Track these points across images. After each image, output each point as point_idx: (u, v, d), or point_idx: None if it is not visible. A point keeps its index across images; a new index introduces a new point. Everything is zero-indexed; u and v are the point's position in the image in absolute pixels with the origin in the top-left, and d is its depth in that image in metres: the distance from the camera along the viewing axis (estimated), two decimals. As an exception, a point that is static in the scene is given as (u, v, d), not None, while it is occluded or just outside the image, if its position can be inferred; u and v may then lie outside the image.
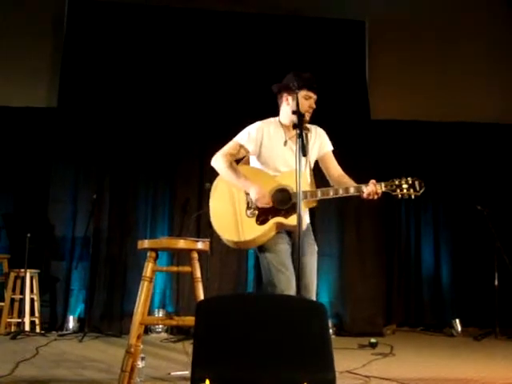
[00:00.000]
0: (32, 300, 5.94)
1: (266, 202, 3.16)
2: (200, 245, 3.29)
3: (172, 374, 3.82)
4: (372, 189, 3.10)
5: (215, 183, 3.36)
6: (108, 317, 6.18)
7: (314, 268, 3.23)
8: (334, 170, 3.43)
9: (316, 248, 3.32)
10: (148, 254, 3.21)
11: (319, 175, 3.45)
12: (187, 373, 3.54)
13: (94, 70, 6.66)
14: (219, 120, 6.48)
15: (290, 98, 3.30)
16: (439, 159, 7.18)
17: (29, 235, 5.75)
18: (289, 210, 3.13)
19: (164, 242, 3.37)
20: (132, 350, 3.06)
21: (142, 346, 3.32)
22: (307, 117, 3.29)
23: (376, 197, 3.12)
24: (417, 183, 3.12)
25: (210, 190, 3.37)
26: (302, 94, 3.25)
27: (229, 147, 3.35)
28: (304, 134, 3.23)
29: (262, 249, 3.20)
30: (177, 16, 6.86)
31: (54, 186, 6.42)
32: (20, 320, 5.79)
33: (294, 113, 3.06)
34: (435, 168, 7.06)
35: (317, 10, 7.02)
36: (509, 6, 7.45)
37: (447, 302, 6.98)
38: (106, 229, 6.38)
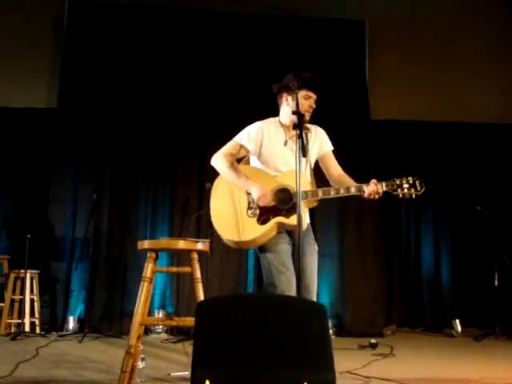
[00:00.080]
0: (32, 301, 5.94)
1: (267, 201, 3.15)
2: (200, 245, 3.29)
3: (172, 374, 3.81)
4: (373, 188, 3.10)
5: (216, 183, 3.35)
6: (108, 317, 6.18)
7: (314, 268, 3.23)
8: (334, 169, 3.43)
9: (316, 248, 3.32)
10: (148, 254, 3.21)
11: (319, 175, 3.45)
12: (187, 373, 3.53)
13: (93, 70, 6.66)
14: (219, 120, 6.48)
15: (289, 98, 3.30)
16: (439, 159, 7.18)
17: (29, 236, 5.74)
18: (290, 210, 3.13)
19: (164, 242, 3.37)
20: (132, 350, 3.06)
21: (142, 347, 3.31)
22: (307, 117, 3.29)
23: (377, 196, 3.12)
24: (417, 183, 3.13)
25: (210, 190, 3.37)
26: (302, 93, 3.25)
27: (229, 147, 3.35)
28: (304, 134, 3.24)
29: (262, 249, 3.20)
30: (176, 16, 6.86)
31: (54, 187, 6.42)
32: (20, 321, 5.79)
33: (293, 113, 3.06)
34: (435, 168, 7.06)
35: (317, 10, 7.02)
36: (509, 6, 7.45)
37: (447, 302, 6.98)
38: (106, 229, 6.38)
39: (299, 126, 2.95)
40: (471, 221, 6.91)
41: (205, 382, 2.05)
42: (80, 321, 6.13)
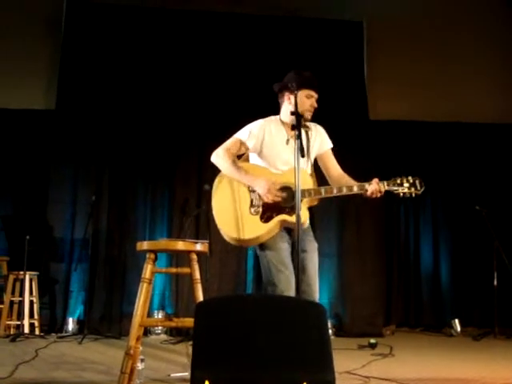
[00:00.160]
0: (31, 302, 5.93)
1: (274, 196, 3.15)
2: (199, 246, 3.29)
3: (172, 375, 3.81)
4: (376, 187, 3.13)
5: (217, 180, 3.34)
6: (107, 318, 6.18)
7: (316, 266, 3.25)
8: (333, 169, 3.44)
9: (316, 245, 3.32)
10: (147, 255, 3.21)
11: (319, 175, 3.46)
12: (187, 374, 3.54)
13: (92, 71, 6.66)
14: (218, 121, 6.47)
15: (291, 96, 3.28)
16: (438, 159, 7.18)
17: (28, 237, 5.73)
18: (293, 208, 3.13)
19: (163, 243, 3.37)
20: (131, 351, 3.06)
21: (141, 348, 3.32)
22: (308, 116, 3.31)
23: (379, 195, 3.15)
24: (417, 182, 3.18)
25: (208, 191, 3.37)
26: (304, 93, 3.27)
27: (230, 143, 3.34)
28: (305, 132, 3.27)
29: (262, 247, 3.20)
30: (174, 17, 6.86)
31: (52, 188, 6.42)
32: (19, 322, 5.79)
33: (292, 114, 3.06)
34: (434, 168, 7.06)
35: (315, 10, 7.02)
36: (508, 6, 7.45)
37: (446, 302, 6.98)
38: (105, 230, 6.38)
39: (297, 126, 2.95)
40: (470, 221, 6.91)
41: (204, 382, 2.06)
42: (79, 322, 6.13)
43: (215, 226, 3.27)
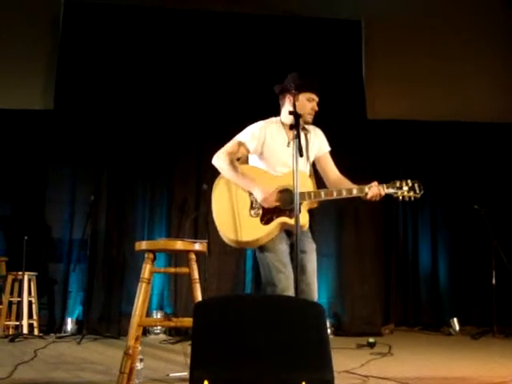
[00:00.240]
0: (30, 302, 5.93)
1: (271, 203, 3.16)
2: (197, 246, 3.29)
3: (171, 375, 3.81)
4: (376, 191, 3.15)
5: (216, 182, 3.35)
6: (106, 319, 6.18)
7: (314, 266, 3.27)
8: (331, 171, 3.46)
9: (314, 245, 3.34)
10: (146, 255, 3.21)
11: (317, 178, 3.47)
12: (186, 374, 3.54)
13: (90, 71, 6.65)
14: (216, 120, 6.49)
15: (292, 98, 3.30)
16: (436, 159, 7.18)
17: (26, 238, 5.73)
18: (293, 210, 3.14)
19: (161, 243, 3.37)
20: (130, 351, 3.06)
21: (140, 348, 3.32)
22: (309, 119, 3.33)
23: (379, 199, 3.16)
24: (416, 185, 3.20)
25: (207, 191, 3.39)
26: (305, 96, 3.29)
27: (231, 146, 3.34)
28: (304, 135, 3.28)
29: (261, 249, 3.21)
30: (173, 17, 6.86)
31: (51, 188, 6.41)
32: (18, 323, 5.79)
33: (290, 113, 3.07)
34: (433, 168, 7.07)
35: (313, 9, 7.02)
36: (508, 5, 7.45)
37: (445, 301, 6.98)
38: (104, 230, 6.38)
39: (296, 126, 2.96)
40: (469, 220, 6.92)
41: (203, 382, 2.06)
42: (78, 322, 6.12)
43: (214, 226, 3.28)
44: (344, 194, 3.20)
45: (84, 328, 5.74)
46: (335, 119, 6.44)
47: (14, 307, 6.02)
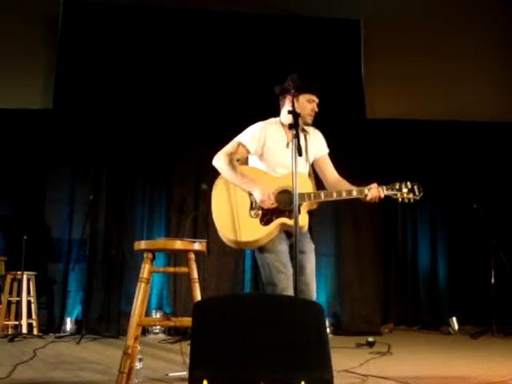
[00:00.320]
0: (29, 302, 5.93)
1: (270, 204, 3.17)
2: (197, 245, 3.30)
3: (170, 374, 3.81)
4: (375, 193, 3.18)
5: (216, 183, 3.35)
6: (105, 318, 6.18)
7: (313, 266, 3.28)
8: (330, 174, 3.48)
9: (313, 246, 3.36)
10: (145, 255, 3.21)
11: (317, 178, 3.48)
12: (185, 374, 3.54)
13: (89, 71, 6.65)
14: (215, 120, 6.49)
15: (292, 98, 3.30)
16: (435, 158, 7.19)
17: (25, 237, 5.73)
18: (292, 211, 3.14)
19: (161, 242, 3.37)
20: (129, 351, 3.06)
21: (139, 347, 3.32)
22: (309, 120, 3.35)
23: (378, 201, 3.17)
24: (416, 187, 3.24)
25: (205, 190, 3.39)
26: (306, 97, 3.32)
27: (231, 147, 3.35)
28: (303, 136, 3.30)
29: (261, 249, 3.22)
30: (172, 17, 6.85)
31: (50, 188, 6.41)
32: (17, 322, 5.78)
33: (289, 113, 3.07)
34: (432, 167, 7.08)
35: (312, 9, 7.02)
36: (506, 4, 7.45)
37: (444, 300, 6.99)
38: (103, 230, 6.38)
39: (295, 125, 2.96)
40: (468, 219, 6.92)
41: (202, 382, 2.06)
42: (77, 322, 6.12)
43: (213, 226, 3.28)
44: (344, 196, 3.22)
45: (83, 328, 5.73)
46: (334, 119, 6.45)
47: (13, 307, 6.01)
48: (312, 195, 3.19)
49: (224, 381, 2.12)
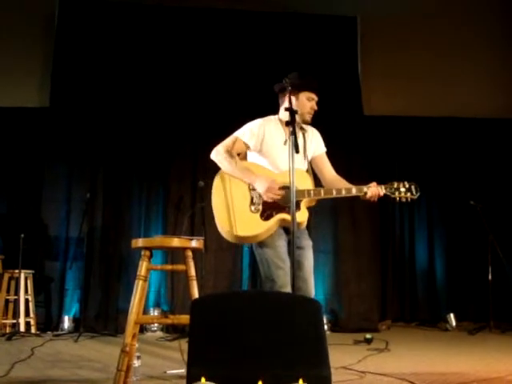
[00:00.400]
0: (27, 300, 5.93)
1: (274, 194, 3.16)
2: (194, 243, 3.29)
3: (168, 372, 3.81)
4: (375, 191, 3.22)
5: (216, 178, 3.32)
6: (103, 316, 6.18)
7: (311, 263, 3.29)
8: (328, 172, 3.50)
9: (311, 242, 3.36)
10: (142, 252, 3.20)
11: (315, 176, 3.48)
12: (183, 371, 3.54)
13: (85, 69, 6.64)
14: (212, 118, 6.48)
15: (293, 97, 3.30)
16: (432, 155, 7.19)
17: (22, 236, 5.73)
18: None
19: (158, 240, 3.36)
20: (127, 349, 3.06)
21: (137, 345, 3.31)
22: (309, 118, 3.37)
23: (377, 198, 3.23)
24: (413, 187, 3.30)
25: (203, 188, 3.38)
26: (305, 95, 3.34)
27: (230, 141, 3.34)
28: (302, 134, 3.32)
29: (260, 245, 3.22)
30: (170, 14, 6.84)
31: (47, 186, 6.41)
32: (15, 321, 5.78)
33: (286, 110, 3.07)
34: (429, 164, 7.09)
35: (309, 6, 7.03)
36: (506, 2, 7.44)
37: (441, 296, 7.00)
38: (100, 228, 6.38)
39: (292, 122, 2.96)
40: (465, 216, 6.93)
41: (200, 379, 2.06)
42: (75, 320, 6.13)
43: (210, 222, 3.27)
44: (343, 193, 3.24)
45: (81, 326, 5.74)
46: (331, 115, 6.44)
47: (11, 305, 6.02)
48: (312, 192, 3.20)
49: (222, 378, 2.12)
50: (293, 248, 2.84)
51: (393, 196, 3.28)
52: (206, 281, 6.00)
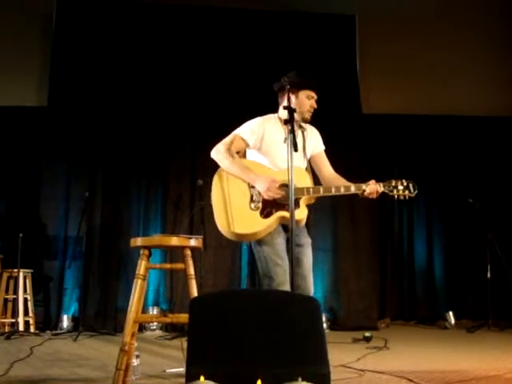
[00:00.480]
0: (25, 300, 5.93)
1: (274, 193, 3.16)
2: (193, 242, 3.28)
3: (167, 371, 3.82)
4: (373, 188, 3.23)
5: (216, 176, 3.32)
6: (102, 315, 6.18)
7: (310, 260, 3.30)
8: (326, 170, 3.51)
9: (310, 240, 3.37)
10: (141, 251, 3.20)
11: (314, 175, 3.48)
12: (182, 370, 3.54)
13: (84, 68, 6.63)
14: (211, 117, 6.48)
15: (292, 96, 3.31)
16: (431, 153, 7.19)
17: (21, 235, 5.72)
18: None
19: (157, 239, 3.36)
20: (126, 348, 3.05)
21: (136, 344, 3.31)
22: (308, 116, 3.38)
23: (375, 196, 3.26)
24: (411, 185, 3.33)
25: (202, 186, 3.38)
26: (305, 93, 3.35)
27: (230, 140, 3.35)
28: (301, 132, 3.32)
29: (259, 242, 3.22)
30: (169, 12, 6.83)
31: (45, 185, 6.40)
32: (14, 320, 5.77)
33: (285, 108, 3.07)
34: (427, 161, 7.10)
35: (307, 4, 7.03)
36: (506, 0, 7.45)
37: (440, 294, 7.01)
38: (99, 227, 6.38)
39: (290, 121, 2.96)
40: (463, 214, 6.93)
41: (200, 378, 2.06)
42: (74, 319, 6.13)
43: (210, 220, 3.27)
44: (342, 191, 3.26)
45: (80, 325, 5.74)
46: (330, 114, 6.43)
47: (10, 304, 6.01)
48: (311, 190, 3.21)
49: (221, 377, 2.12)
50: (291, 245, 2.84)
51: (391, 194, 3.31)
52: (205, 279, 6.00)
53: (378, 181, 3.27)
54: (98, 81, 6.63)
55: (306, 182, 3.25)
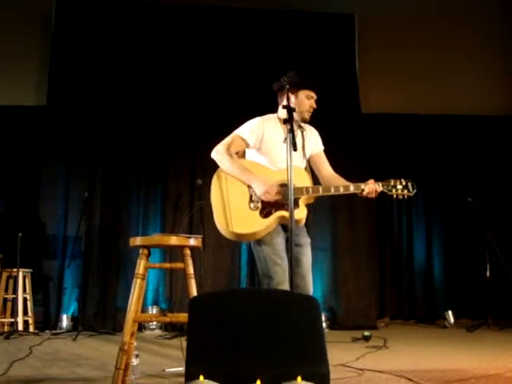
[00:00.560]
0: (25, 299, 5.92)
1: (271, 196, 3.18)
2: (192, 241, 3.28)
3: (166, 370, 3.82)
4: (372, 187, 3.23)
5: (215, 176, 3.33)
6: (101, 315, 6.18)
7: (309, 260, 3.31)
8: (325, 170, 3.52)
9: (309, 240, 3.38)
10: (140, 251, 3.20)
11: (313, 174, 3.49)
12: (182, 369, 3.54)
13: (83, 67, 6.63)
14: (211, 117, 6.48)
15: (292, 96, 3.31)
16: (430, 152, 7.19)
17: (20, 234, 5.72)
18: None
19: (156, 238, 3.35)
20: (126, 347, 3.05)
21: (135, 343, 3.31)
22: (308, 116, 3.39)
23: (374, 195, 3.26)
24: (410, 185, 3.33)
25: (201, 186, 3.38)
26: (304, 93, 3.35)
27: (230, 140, 3.35)
28: (300, 132, 3.33)
29: (258, 242, 3.22)
30: (168, 12, 6.83)
31: (44, 184, 6.40)
32: (13, 320, 5.77)
33: (284, 107, 3.07)
34: (426, 161, 7.09)
35: (307, 3, 7.03)
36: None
37: (440, 294, 7.01)
38: (98, 226, 6.37)
39: (290, 120, 2.96)
40: (463, 213, 6.93)
41: (199, 377, 2.06)
42: (73, 319, 6.13)
43: (209, 220, 3.27)
44: (341, 191, 3.27)
45: (79, 324, 5.74)
46: (329, 113, 6.43)
47: (9, 304, 6.01)
48: (310, 189, 3.22)
49: (221, 376, 2.12)
50: (291, 245, 2.85)
51: (390, 193, 3.31)
52: (205, 279, 6.00)
53: (376, 180, 3.27)
54: (97, 80, 6.62)
55: (305, 181, 3.26)
